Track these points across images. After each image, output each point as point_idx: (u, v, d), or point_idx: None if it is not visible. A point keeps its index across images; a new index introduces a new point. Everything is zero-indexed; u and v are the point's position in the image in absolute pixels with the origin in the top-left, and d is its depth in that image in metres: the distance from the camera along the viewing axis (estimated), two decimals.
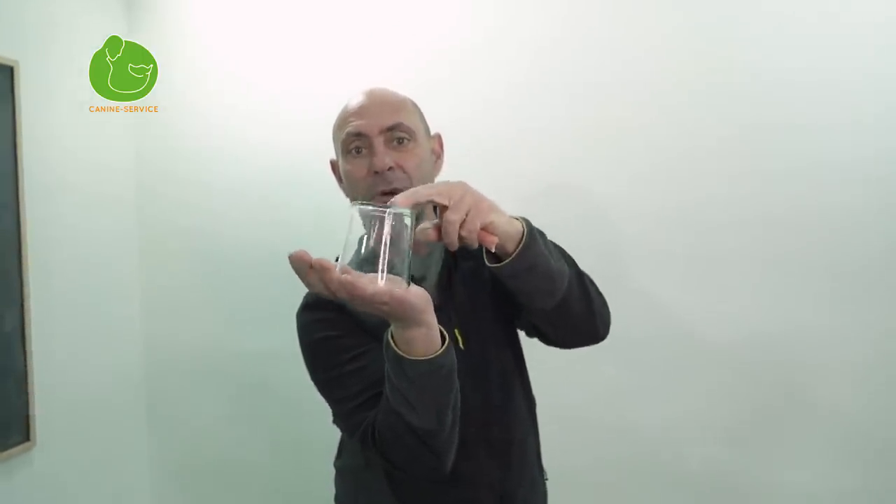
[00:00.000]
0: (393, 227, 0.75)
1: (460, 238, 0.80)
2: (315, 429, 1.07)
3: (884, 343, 1.39)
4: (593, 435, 1.56)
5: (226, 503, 1.91)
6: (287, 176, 1.77)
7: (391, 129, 1.00)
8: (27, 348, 1.59)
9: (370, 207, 0.76)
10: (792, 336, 1.44)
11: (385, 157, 0.99)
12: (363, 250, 0.75)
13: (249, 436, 1.87)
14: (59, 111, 1.69)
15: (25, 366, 1.59)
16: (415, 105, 1.08)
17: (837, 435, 1.42)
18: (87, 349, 1.78)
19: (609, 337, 1.04)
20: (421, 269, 1.06)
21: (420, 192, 0.80)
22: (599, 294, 1.02)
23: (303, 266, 0.74)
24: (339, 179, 1.09)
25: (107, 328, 1.85)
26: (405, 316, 0.78)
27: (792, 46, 1.41)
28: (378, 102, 1.03)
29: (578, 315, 0.97)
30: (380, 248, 0.74)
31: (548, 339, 1.04)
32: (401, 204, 0.78)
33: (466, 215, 0.80)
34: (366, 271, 0.74)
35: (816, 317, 1.42)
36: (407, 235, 0.76)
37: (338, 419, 1.03)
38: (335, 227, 1.66)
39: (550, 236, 0.98)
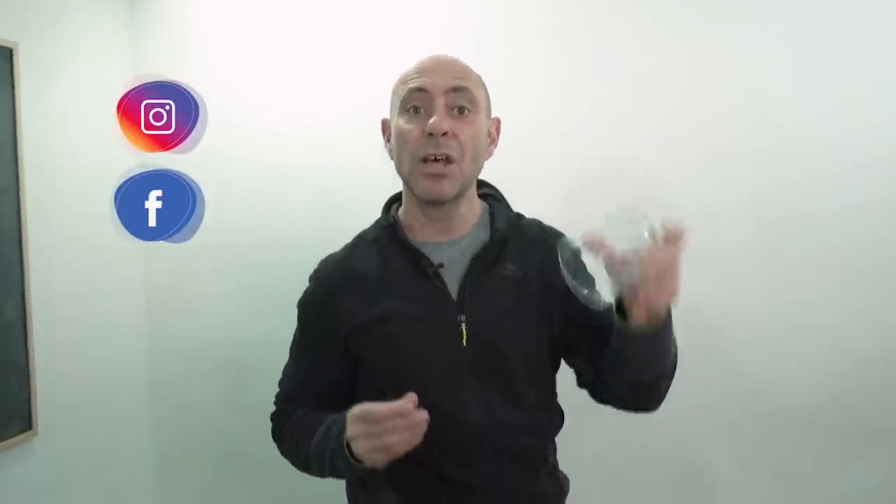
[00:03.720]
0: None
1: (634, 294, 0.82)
2: None
3: None
4: (604, 426, 1.52)
5: (229, 494, 1.89)
6: (291, 165, 1.74)
7: (456, 90, 0.97)
8: (28, 337, 1.57)
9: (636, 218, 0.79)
10: (806, 333, 1.40)
11: (443, 120, 0.94)
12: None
13: (253, 426, 1.81)
14: (60, 94, 1.66)
15: (27, 354, 1.57)
16: (482, 81, 1.04)
17: (851, 430, 1.39)
18: (90, 337, 1.75)
19: None
20: (449, 254, 1.02)
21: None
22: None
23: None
24: (388, 139, 1.05)
25: (110, 316, 1.82)
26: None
27: (810, 58, 1.37)
28: (446, 63, 1.00)
29: (662, 388, 0.98)
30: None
31: (609, 397, 1.03)
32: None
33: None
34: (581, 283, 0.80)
35: (833, 315, 1.38)
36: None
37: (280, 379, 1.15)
38: (334, 217, 1.65)
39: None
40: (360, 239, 1.11)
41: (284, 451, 1.10)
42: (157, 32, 1.84)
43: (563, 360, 1.09)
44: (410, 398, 0.84)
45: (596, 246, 0.79)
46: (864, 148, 1.34)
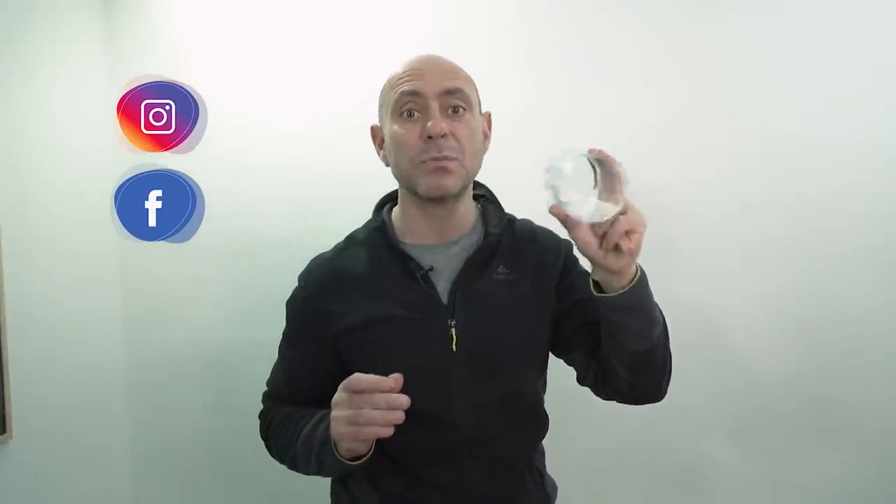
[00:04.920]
0: None
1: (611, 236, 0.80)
2: None
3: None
4: (587, 423, 1.56)
5: (209, 497, 1.87)
6: (275, 165, 1.73)
7: (449, 92, 0.96)
8: (2, 338, 1.52)
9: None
10: (794, 327, 1.43)
11: (441, 122, 0.94)
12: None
13: (234, 428, 1.82)
14: (33, 93, 1.61)
15: (1, 356, 1.52)
16: (471, 77, 1.04)
17: (838, 426, 1.42)
18: (66, 339, 1.71)
19: None
20: (441, 257, 1.03)
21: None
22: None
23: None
24: (380, 146, 1.05)
25: (87, 317, 1.78)
26: None
27: (805, 54, 1.39)
28: (436, 65, 0.99)
29: (658, 367, 0.95)
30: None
31: (611, 387, 0.99)
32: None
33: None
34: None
35: (809, 307, 1.42)
36: None
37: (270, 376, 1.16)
38: (319, 217, 1.63)
39: None
40: (350, 240, 1.10)
41: (271, 448, 1.09)
42: (132, 31, 1.81)
43: (562, 358, 1.10)
44: (396, 377, 0.84)
45: (560, 217, 0.81)
46: (864, 146, 1.36)
